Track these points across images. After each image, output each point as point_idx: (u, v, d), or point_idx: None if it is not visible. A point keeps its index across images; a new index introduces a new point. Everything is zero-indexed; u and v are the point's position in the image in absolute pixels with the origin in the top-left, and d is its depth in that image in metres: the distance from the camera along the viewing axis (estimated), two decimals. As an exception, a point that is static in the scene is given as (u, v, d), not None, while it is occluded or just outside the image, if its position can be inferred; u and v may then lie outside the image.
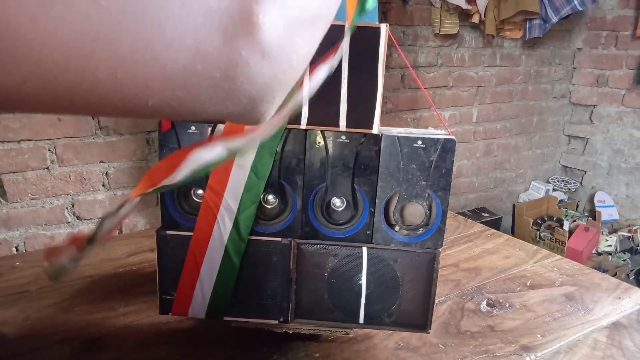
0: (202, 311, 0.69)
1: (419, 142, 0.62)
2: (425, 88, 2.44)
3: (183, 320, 0.78)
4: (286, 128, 0.62)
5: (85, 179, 1.62)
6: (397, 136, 0.62)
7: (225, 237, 0.65)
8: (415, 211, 0.65)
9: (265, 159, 0.62)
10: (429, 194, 0.64)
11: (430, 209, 0.65)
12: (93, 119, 1.58)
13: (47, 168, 1.55)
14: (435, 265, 0.66)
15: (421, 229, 0.65)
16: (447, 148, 0.62)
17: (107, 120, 1.61)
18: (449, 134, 0.64)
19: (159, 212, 0.67)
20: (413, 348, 0.72)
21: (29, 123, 1.49)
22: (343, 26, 0.58)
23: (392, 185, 0.63)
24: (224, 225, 0.64)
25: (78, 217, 1.64)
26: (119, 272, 0.95)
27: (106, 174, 1.66)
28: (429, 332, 0.70)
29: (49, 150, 1.54)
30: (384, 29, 0.59)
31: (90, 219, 1.67)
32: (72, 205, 1.63)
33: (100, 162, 1.63)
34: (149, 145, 1.70)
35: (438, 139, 0.62)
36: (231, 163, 0.62)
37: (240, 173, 0.62)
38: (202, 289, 0.67)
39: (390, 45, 2.07)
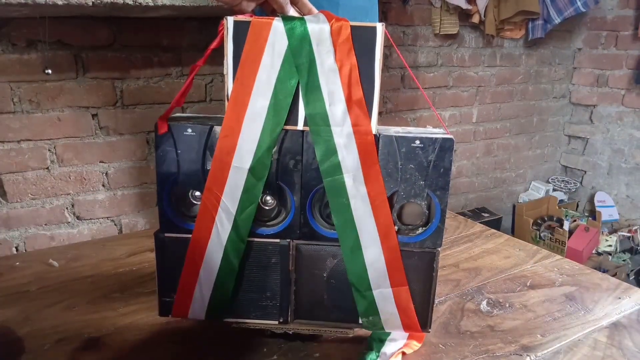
0: (202, 312, 0.69)
1: (417, 141, 0.62)
2: (425, 88, 2.43)
3: (183, 320, 0.78)
4: (283, 129, 0.62)
5: (85, 179, 1.62)
6: (395, 136, 0.62)
7: (224, 238, 0.65)
8: (414, 211, 0.65)
9: (264, 160, 0.62)
10: (427, 194, 0.63)
11: (429, 208, 0.65)
12: (93, 119, 1.59)
13: (47, 168, 1.55)
14: (434, 265, 0.66)
15: (420, 228, 0.65)
16: (445, 147, 0.62)
17: (107, 120, 1.61)
18: (447, 133, 0.64)
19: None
20: (413, 348, 0.72)
21: (29, 123, 1.49)
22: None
23: (390, 185, 0.63)
24: (222, 227, 0.64)
25: (78, 217, 1.64)
26: (119, 272, 0.95)
27: (106, 174, 1.66)
28: (429, 332, 0.70)
29: (49, 150, 1.54)
30: (380, 28, 0.58)
31: (90, 219, 1.67)
32: (72, 206, 1.63)
33: (100, 162, 1.63)
34: (149, 145, 1.70)
35: (436, 139, 0.62)
36: (228, 165, 0.62)
37: (238, 175, 0.62)
38: (201, 290, 0.67)
39: (390, 45, 2.07)
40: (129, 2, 1.27)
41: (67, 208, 1.62)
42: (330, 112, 0.60)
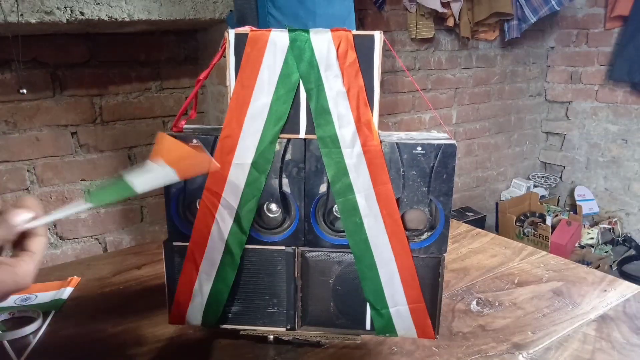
0: (198, 317, 0.69)
1: (419, 148, 0.62)
2: (404, 92, 2.46)
3: (175, 338, 0.77)
4: (285, 138, 0.63)
5: (67, 198, 1.60)
6: (397, 142, 0.62)
7: (226, 233, 0.65)
8: (417, 217, 0.65)
9: (266, 153, 0.62)
10: (430, 200, 0.64)
11: (432, 214, 0.65)
12: (72, 137, 1.56)
13: (27, 189, 1.52)
14: (440, 270, 0.66)
15: (424, 234, 0.65)
16: (447, 153, 0.62)
17: (87, 137, 1.58)
18: (450, 138, 0.64)
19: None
20: (407, 352, 0.73)
21: (5, 144, 1.46)
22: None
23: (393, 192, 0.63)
24: (223, 223, 0.64)
25: (61, 237, 1.61)
26: (105, 292, 0.93)
27: (88, 192, 1.63)
28: (437, 338, 0.70)
29: (28, 170, 1.51)
30: (377, 36, 0.60)
31: (74, 238, 1.64)
32: (55, 226, 1.60)
33: (81, 180, 1.61)
34: (131, 161, 1.68)
35: (438, 145, 0.62)
36: (228, 164, 0.62)
37: (239, 171, 0.63)
38: (200, 289, 0.67)
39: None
40: (104, 18, 1.26)
41: (49, 229, 1.59)
42: (340, 135, 0.61)
